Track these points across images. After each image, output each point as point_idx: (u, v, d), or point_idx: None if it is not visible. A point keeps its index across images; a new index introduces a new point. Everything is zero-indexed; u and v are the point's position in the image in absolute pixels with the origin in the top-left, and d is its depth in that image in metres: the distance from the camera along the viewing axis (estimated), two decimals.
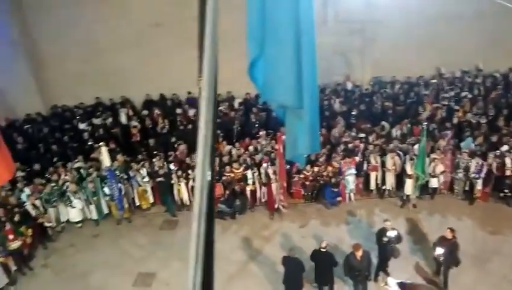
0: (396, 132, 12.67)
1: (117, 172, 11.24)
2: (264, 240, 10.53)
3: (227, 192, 11.24)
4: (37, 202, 10.70)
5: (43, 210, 10.82)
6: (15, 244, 9.71)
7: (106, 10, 13.68)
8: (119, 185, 11.16)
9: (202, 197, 1.16)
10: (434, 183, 11.28)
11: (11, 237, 9.61)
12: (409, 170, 10.91)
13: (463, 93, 14.12)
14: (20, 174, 11.31)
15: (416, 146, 11.28)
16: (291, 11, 2.32)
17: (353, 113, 13.55)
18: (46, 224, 10.87)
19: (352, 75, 15.36)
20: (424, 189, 11.33)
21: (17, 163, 11.58)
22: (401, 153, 11.44)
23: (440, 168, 11.08)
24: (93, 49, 14.15)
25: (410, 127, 12.73)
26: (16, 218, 9.89)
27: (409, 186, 10.99)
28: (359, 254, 7.93)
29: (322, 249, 8.29)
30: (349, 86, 15.01)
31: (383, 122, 13.09)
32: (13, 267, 9.83)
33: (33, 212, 10.53)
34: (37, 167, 11.95)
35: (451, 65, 15.12)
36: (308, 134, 2.69)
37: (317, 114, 2.79)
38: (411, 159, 10.99)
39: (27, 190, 10.82)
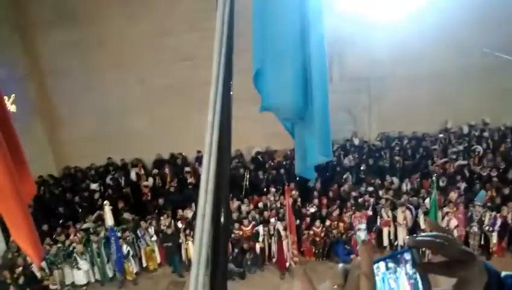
0: (406, 187, 12.54)
1: (118, 233, 11.16)
2: None
3: (235, 250, 10.99)
4: (43, 263, 10.55)
5: (49, 272, 10.64)
6: None
7: (122, 74, 14.30)
8: (126, 246, 11.04)
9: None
10: None
11: None
12: (422, 224, 10.64)
13: (473, 147, 14.11)
14: None
15: (427, 200, 11.10)
16: (293, 20, 2.36)
17: (362, 168, 13.53)
18: (51, 287, 10.63)
19: (359, 131, 15.53)
20: None
21: None
22: (412, 207, 11.24)
23: (454, 222, 10.79)
24: (108, 111, 14.66)
25: (420, 181, 12.61)
26: (21, 280, 9.73)
27: None
28: None
29: None
30: (356, 141, 15.13)
31: (392, 178, 13.01)
32: None
33: (39, 275, 10.35)
34: (45, 227, 11.92)
35: (458, 119, 15.24)
36: (319, 141, 2.56)
37: (328, 119, 2.63)
38: (423, 213, 10.77)
39: None
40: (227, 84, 1.65)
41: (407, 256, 0.94)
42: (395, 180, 12.88)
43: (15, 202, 2.62)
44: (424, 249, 1.00)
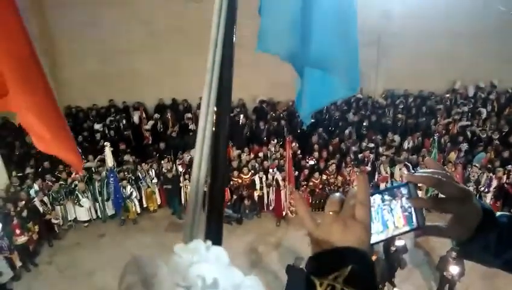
0: (408, 144, 12.56)
1: (120, 174, 11.36)
2: (269, 246, 10.42)
3: (234, 197, 11.20)
4: (45, 199, 10.78)
5: (51, 207, 10.90)
6: (21, 240, 9.77)
7: (127, 13, 13.82)
8: (130, 187, 11.26)
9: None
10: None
11: (17, 231, 9.68)
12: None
13: (478, 110, 14.01)
14: (29, 170, 11.49)
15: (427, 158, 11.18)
16: None
17: (364, 124, 13.48)
18: (54, 221, 10.93)
19: (365, 87, 15.31)
20: None
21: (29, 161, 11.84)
22: (409, 164, 11.31)
23: None
24: (110, 51, 14.28)
25: (422, 139, 12.62)
26: (24, 213, 9.98)
27: None
28: (373, 258, 7.79)
29: None
30: (360, 97, 14.97)
31: (394, 136, 12.98)
32: (18, 263, 9.85)
33: (41, 209, 10.61)
34: (46, 164, 12.04)
35: (467, 80, 15.02)
36: (348, 76, 2.51)
37: (358, 55, 2.55)
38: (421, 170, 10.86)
39: (35, 186, 10.91)
40: (230, 27, 1.60)
41: (404, 190, 0.96)
42: (396, 138, 12.88)
43: (54, 107, 2.54)
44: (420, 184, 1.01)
